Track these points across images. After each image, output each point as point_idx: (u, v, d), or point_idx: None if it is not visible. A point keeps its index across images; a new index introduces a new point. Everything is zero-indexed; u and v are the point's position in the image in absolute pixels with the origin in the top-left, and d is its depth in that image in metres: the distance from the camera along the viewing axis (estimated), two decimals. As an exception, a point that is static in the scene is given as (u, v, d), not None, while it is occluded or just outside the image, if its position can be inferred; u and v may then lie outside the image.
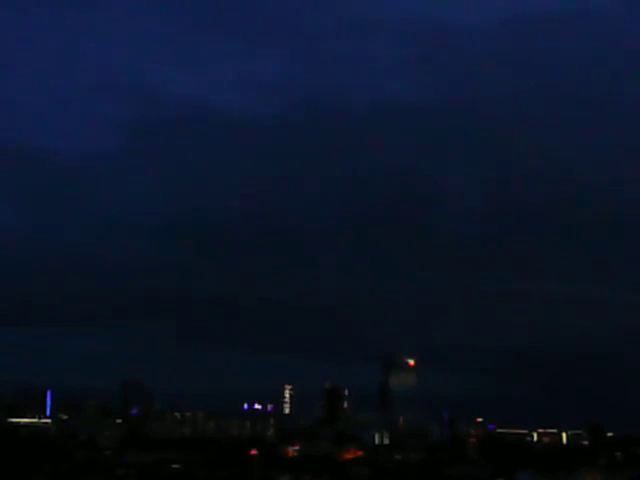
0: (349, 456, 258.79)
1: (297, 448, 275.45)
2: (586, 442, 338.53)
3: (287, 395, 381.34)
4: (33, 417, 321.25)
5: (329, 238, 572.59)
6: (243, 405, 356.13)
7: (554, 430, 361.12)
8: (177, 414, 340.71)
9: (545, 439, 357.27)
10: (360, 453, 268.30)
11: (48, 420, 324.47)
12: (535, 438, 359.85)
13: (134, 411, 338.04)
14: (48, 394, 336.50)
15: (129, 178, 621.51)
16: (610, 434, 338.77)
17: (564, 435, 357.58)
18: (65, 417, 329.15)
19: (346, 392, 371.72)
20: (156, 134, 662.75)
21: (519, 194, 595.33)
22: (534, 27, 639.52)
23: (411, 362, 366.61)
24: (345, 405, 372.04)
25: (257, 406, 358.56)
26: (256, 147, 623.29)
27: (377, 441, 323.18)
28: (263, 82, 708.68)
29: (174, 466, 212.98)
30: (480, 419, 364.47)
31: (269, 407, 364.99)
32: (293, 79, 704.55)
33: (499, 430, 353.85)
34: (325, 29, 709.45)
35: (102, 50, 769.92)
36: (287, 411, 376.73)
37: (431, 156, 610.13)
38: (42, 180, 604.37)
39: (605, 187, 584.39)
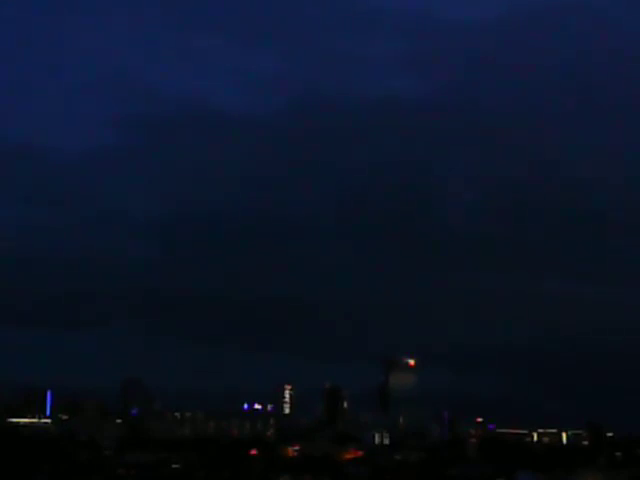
0: (349, 456, 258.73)
1: (297, 448, 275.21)
2: (586, 442, 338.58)
3: (287, 395, 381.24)
4: (33, 417, 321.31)
5: (329, 237, 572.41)
6: (243, 405, 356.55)
7: (554, 430, 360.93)
8: (177, 414, 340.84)
9: (545, 439, 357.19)
10: (360, 453, 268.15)
11: (48, 420, 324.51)
12: (535, 438, 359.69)
13: (134, 411, 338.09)
14: (48, 394, 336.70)
15: (128, 176, 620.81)
16: (610, 434, 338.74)
17: (564, 435, 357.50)
18: (65, 417, 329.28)
19: (346, 392, 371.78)
20: (156, 132, 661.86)
21: (519, 193, 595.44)
22: (535, 23, 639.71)
23: (411, 362, 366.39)
24: (345, 405, 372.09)
25: (257, 406, 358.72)
26: (255, 145, 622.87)
27: (377, 441, 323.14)
28: (262, 79, 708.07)
29: (174, 466, 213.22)
30: (480, 419, 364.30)
31: (269, 407, 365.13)
32: (292, 76, 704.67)
33: (499, 430, 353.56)
34: (325, 26, 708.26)
35: (102, 48, 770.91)
36: (287, 411, 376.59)
37: (431, 154, 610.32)
38: (42, 178, 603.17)
39: (606, 186, 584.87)
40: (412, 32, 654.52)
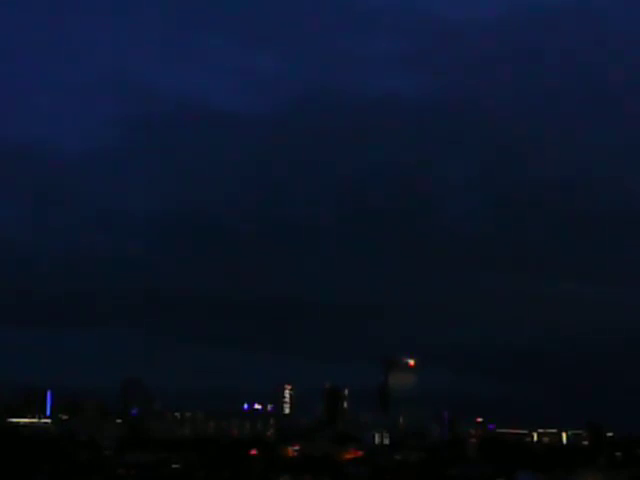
0: (349, 456, 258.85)
1: (297, 448, 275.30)
2: (586, 442, 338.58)
3: (287, 395, 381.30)
4: (33, 417, 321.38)
5: (328, 237, 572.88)
6: (243, 405, 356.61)
7: (554, 430, 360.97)
8: (177, 414, 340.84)
9: (545, 439, 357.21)
10: (360, 453, 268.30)
11: (48, 420, 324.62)
12: (535, 438, 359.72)
13: (134, 411, 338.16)
14: (48, 394, 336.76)
15: (128, 175, 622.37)
16: (610, 434, 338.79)
17: (564, 435, 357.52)
18: (65, 417, 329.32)
19: (346, 392, 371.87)
20: (155, 131, 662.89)
21: (519, 193, 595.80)
22: (534, 22, 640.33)
23: (411, 362, 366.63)
24: (345, 405, 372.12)
25: (257, 406, 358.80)
26: (255, 145, 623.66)
27: (377, 441, 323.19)
28: (262, 79, 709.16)
29: (174, 466, 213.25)
30: (480, 419, 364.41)
31: (269, 407, 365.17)
32: (292, 76, 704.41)
33: (499, 430, 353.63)
34: (325, 26, 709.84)
35: (102, 48, 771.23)
36: (287, 411, 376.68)
37: (431, 154, 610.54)
38: (42, 177, 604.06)
39: (606, 186, 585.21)
40: (412, 32, 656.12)
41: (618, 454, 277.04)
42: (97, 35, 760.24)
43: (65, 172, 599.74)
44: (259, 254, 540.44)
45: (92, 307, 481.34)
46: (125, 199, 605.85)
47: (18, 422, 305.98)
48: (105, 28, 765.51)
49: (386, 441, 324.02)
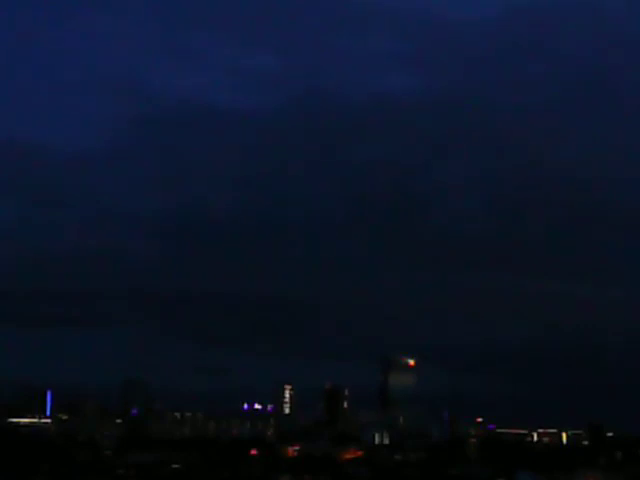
0: (349, 456, 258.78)
1: (297, 448, 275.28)
2: (586, 442, 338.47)
3: (287, 395, 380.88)
4: (33, 417, 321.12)
5: (328, 236, 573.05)
6: (243, 405, 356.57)
7: (554, 430, 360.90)
8: (177, 414, 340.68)
9: (545, 439, 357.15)
10: (360, 453, 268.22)
11: (48, 420, 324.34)
12: (535, 438, 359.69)
13: (134, 411, 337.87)
14: (48, 394, 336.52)
15: (128, 175, 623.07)
16: (610, 434, 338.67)
17: (564, 435, 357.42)
18: (65, 417, 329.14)
19: (346, 392, 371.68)
20: (154, 130, 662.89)
21: (519, 193, 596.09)
22: (534, 21, 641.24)
23: (411, 362, 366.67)
24: (345, 405, 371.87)
25: (257, 406, 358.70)
26: (254, 143, 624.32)
27: (377, 441, 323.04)
28: (262, 77, 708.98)
29: (174, 466, 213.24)
30: (480, 419, 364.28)
31: (269, 407, 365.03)
32: (292, 74, 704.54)
33: (499, 430, 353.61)
34: (324, 24, 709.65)
35: (100, 46, 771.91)
36: (287, 411, 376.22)
37: (431, 153, 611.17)
38: (40, 177, 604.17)
39: (606, 185, 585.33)
40: (412, 32, 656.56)
41: (618, 454, 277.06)
42: (97, 35, 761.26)
43: (65, 172, 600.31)
44: (259, 254, 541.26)
45: (92, 307, 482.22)
46: (125, 199, 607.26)
47: (18, 422, 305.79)
48: (105, 28, 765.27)
49: (386, 441, 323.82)
